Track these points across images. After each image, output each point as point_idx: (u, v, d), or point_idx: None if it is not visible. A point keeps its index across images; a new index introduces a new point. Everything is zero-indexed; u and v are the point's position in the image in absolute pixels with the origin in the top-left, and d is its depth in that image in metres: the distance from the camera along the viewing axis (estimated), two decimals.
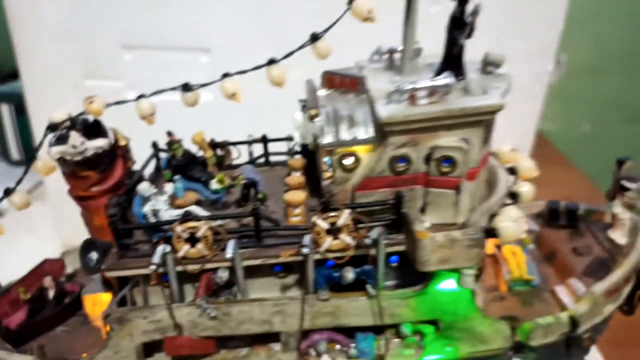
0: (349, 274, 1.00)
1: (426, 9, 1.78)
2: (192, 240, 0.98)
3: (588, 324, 1.14)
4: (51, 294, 1.25)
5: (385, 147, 0.98)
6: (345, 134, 0.97)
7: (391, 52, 1.14)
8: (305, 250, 0.95)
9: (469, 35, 1.02)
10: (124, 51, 1.78)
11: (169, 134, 1.17)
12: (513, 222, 0.95)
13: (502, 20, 1.83)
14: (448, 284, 1.02)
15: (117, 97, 1.10)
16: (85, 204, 1.12)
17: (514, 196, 1.06)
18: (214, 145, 1.28)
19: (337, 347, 1.07)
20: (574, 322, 1.11)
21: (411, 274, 1.04)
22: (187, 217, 0.99)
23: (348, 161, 1.01)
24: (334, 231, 0.98)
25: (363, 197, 1.02)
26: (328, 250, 0.99)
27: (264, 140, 1.30)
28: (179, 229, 0.97)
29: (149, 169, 1.27)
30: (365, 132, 0.97)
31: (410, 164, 0.99)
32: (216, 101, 1.63)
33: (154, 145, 1.25)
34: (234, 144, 1.30)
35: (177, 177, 1.10)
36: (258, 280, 1.09)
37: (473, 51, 1.80)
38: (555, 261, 1.29)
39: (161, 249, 0.96)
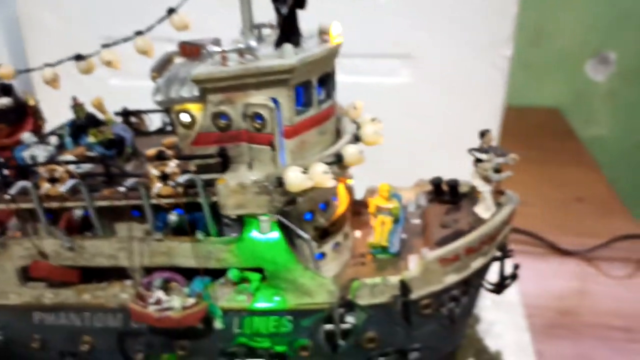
0: (172, 217, 1.13)
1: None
2: (53, 180, 1.16)
3: (423, 290, 1.15)
4: None
5: (207, 104, 1.09)
6: (173, 93, 1.10)
7: (258, 27, 1.24)
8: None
9: (300, 6, 1.10)
10: None
11: (74, 98, 1.37)
12: (300, 174, 1.01)
13: (454, 11, 1.84)
14: (256, 232, 1.10)
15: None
16: (2, 154, 1.35)
17: (338, 157, 1.12)
18: (127, 113, 1.46)
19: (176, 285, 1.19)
20: (404, 285, 1.14)
21: None
22: (49, 161, 1.17)
23: (184, 118, 1.13)
24: (164, 178, 1.11)
25: (198, 151, 1.14)
26: (159, 195, 1.12)
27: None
28: (41, 169, 1.16)
29: None
30: (190, 91, 1.09)
31: (230, 120, 1.09)
32: None
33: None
34: (146, 112, 1.47)
35: (67, 132, 1.30)
36: (125, 224, 1.24)
37: (432, 43, 1.83)
38: (425, 233, 1.31)
39: (19, 184, 1.15)
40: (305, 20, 1.16)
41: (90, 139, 1.27)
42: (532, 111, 3.21)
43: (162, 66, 1.18)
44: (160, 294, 1.16)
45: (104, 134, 1.26)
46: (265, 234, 1.09)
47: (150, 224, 1.16)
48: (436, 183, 1.36)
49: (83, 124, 1.35)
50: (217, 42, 1.21)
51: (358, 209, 1.43)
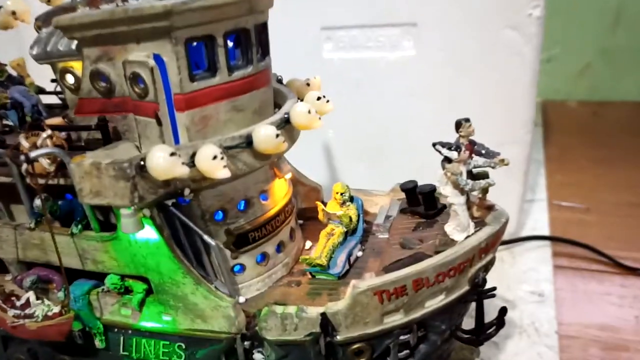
0: (36, 201, 0.89)
1: None
2: None
3: (353, 331, 0.85)
4: None
5: (84, 60, 0.85)
6: (51, 46, 0.87)
7: None
8: None
9: None
10: None
11: None
12: (168, 157, 0.74)
13: None
14: None
15: None
16: None
17: (248, 139, 0.83)
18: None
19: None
20: (325, 321, 0.83)
21: None
22: None
23: (69, 79, 0.91)
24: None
25: (82, 122, 0.91)
26: (29, 173, 0.89)
27: None
28: None
29: None
30: (69, 44, 0.86)
31: (111, 83, 0.85)
32: None
33: None
34: None
35: None
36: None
37: (439, 7, 1.45)
38: (382, 254, 0.99)
39: None
40: None
41: None
42: (611, 106, 2.75)
43: (51, 15, 0.96)
44: (30, 296, 0.94)
45: None
46: (130, 233, 0.83)
47: (26, 208, 0.95)
48: (407, 189, 1.04)
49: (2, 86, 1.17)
50: None
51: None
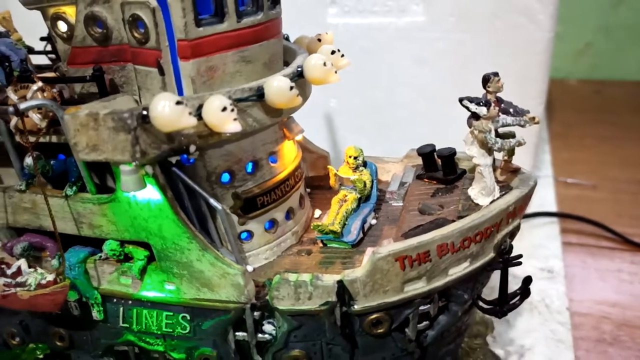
0: (27, 160, 0.82)
1: None
2: None
3: (371, 300, 0.79)
4: None
5: (78, 4, 0.78)
6: None
7: None
8: None
9: None
10: None
11: None
12: (174, 105, 0.67)
13: None
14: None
15: None
16: None
17: (259, 91, 0.76)
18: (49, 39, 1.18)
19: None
20: (342, 290, 0.77)
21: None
22: None
23: (62, 27, 0.83)
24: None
25: (76, 74, 0.83)
26: (19, 130, 0.82)
27: None
28: None
29: None
30: None
31: (107, 28, 0.77)
32: None
33: None
34: None
35: None
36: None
37: None
38: (399, 221, 0.93)
39: None
40: None
41: None
42: (613, 84, 2.71)
43: None
44: (22, 264, 0.87)
45: None
46: (130, 192, 0.76)
47: (16, 168, 0.87)
48: (425, 153, 0.97)
49: None
50: None
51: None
